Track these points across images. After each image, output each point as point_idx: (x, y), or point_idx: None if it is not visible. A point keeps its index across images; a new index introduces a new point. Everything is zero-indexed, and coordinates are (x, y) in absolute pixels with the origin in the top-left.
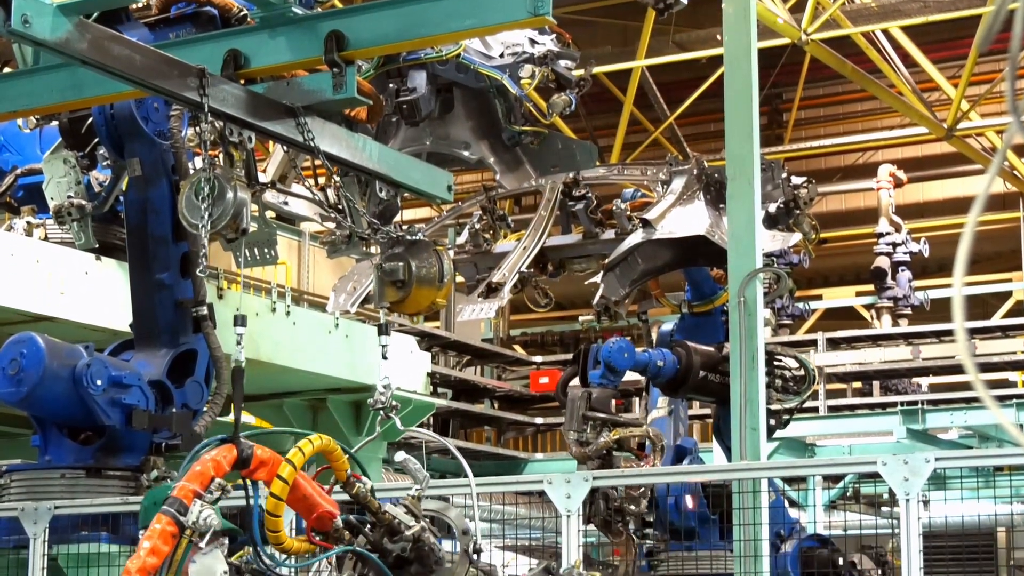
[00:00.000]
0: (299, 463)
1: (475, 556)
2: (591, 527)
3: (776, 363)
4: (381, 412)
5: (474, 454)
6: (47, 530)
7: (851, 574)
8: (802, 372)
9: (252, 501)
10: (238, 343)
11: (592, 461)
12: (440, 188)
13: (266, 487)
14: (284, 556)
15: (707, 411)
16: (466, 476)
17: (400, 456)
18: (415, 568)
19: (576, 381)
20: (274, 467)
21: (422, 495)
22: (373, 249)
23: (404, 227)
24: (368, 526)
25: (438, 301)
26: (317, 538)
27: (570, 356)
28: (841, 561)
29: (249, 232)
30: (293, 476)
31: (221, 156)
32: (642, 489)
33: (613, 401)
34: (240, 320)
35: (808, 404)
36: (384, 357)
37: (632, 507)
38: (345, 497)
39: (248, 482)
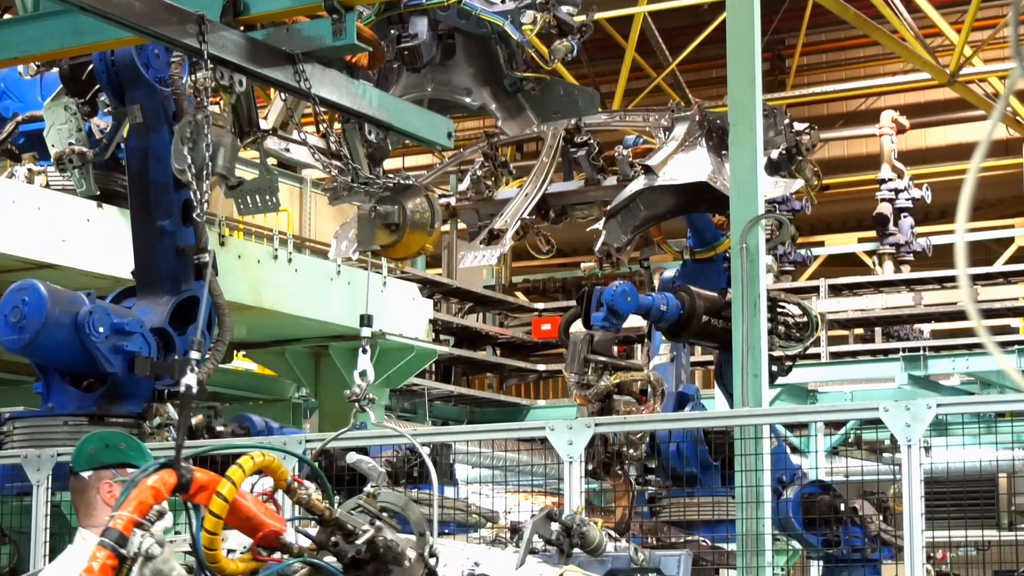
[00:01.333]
0: (239, 480)
1: (432, 561)
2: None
3: (779, 310)
4: (356, 405)
5: (476, 401)
6: (50, 477)
7: (852, 520)
8: (805, 319)
9: (195, 527)
10: (191, 369)
11: (592, 404)
12: (440, 135)
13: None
14: None
15: (709, 357)
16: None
17: (352, 457)
18: (372, 567)
19: (578, 324)
20: (214, 489)
21: (378, 493)
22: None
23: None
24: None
25: (427, 247)
26: (263, 554)
27: (572, 303)
28: (843, 507)
29: (231, 176)
30: (233, 494)
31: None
32: (640, 434)
33: (615, 347)
34: (196, 345)
35: (810, 351)
36: (364, 351)
37: (631, 451)
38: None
39: (190, 507)
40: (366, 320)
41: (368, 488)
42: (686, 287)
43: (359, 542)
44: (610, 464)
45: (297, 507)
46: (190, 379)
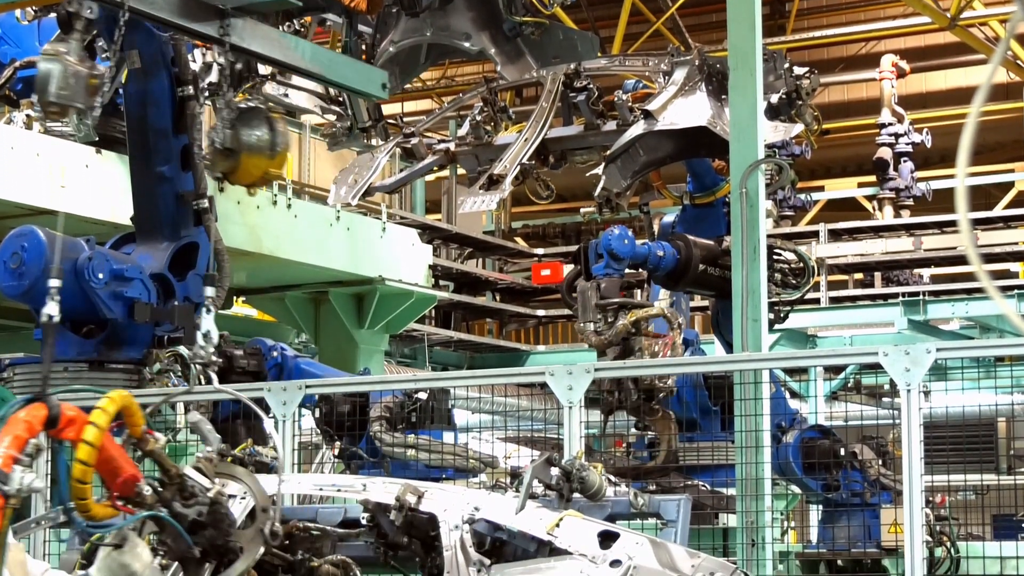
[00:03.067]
0: (104, 424)
1: (271, 538)
2: (593, 419)
3: (776, 257)
4: (198, 366)
5: (476, 346)
6: None
7: (852, 464)
8: (801, 265)
9: (60, 461)
10: (50, 298)
11: (613, 348)
12: (374, 86)
13: (73, 447)
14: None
15: (707, 303)
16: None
17: (193, 417)
18: (209, 532)
19: (580, 281)
20: (81, 425)
21: (215, 459)
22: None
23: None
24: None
25: (272, 171)
26: (120, 503)
27: (572, 248)
28: (842, 452)
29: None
30: (100, 439)
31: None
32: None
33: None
34: (56, 273)
35: (809, 296)
36: (208, 310)
37: (661, 383)
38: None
39: (53, 441)
40: (209, 280)
41: (206, 451)
42: (682, 235)
43: (197, 506)
44: (640, 408)
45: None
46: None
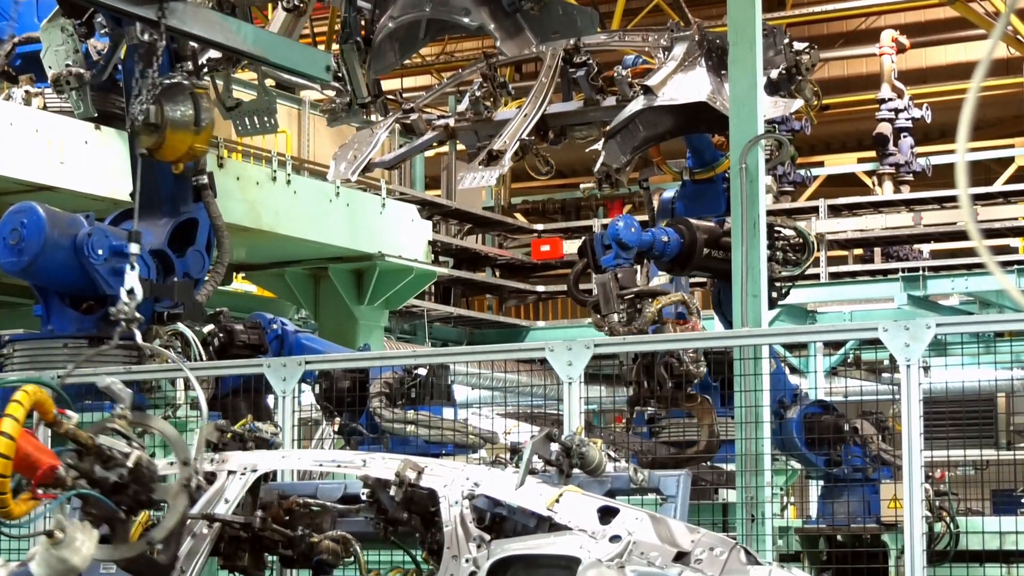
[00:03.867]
0: (21, 417)
1: (195, 490)
2: (592, 394)
3: (775, 233)
4: (122, 323)
5: (475, 322)
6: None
7: (853, 440)
8: (801, 241)
9: None
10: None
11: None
12: (319, 69)
13: None
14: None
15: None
16: (466, 344)
17: (104, 381)
18: (133, 490)
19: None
20: None
21: (129, 416)
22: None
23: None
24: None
25: (196, 147)
26: (41, 491)
27: (572, 224)
28: (845, 427)
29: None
30: (17, 430)
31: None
32: (697, 351)
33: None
34: (134, 237)
35: (809, 271)
36: (132, 267)
37: (694, 368)
38: None
39: None
40: (134, 236)
41: (117, 410)
42: (684, 219)
43: (121, 468)
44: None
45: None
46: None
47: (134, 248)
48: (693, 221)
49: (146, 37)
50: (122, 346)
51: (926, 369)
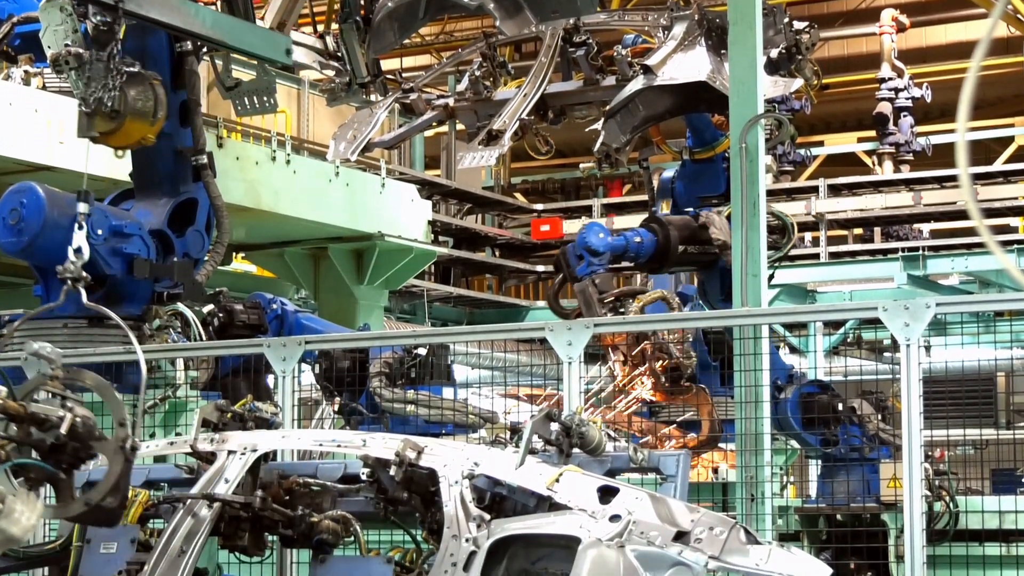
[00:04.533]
0: None
1: (130, 451)
2: (592, 373)
3: None
4: (68, 282)
5: (475, 302)
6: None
7: (851, 419)
8: (779, 224)
9: None
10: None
11: (627, 337)
12: (278, 52)
13: None
14: None
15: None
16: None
17: (32, 347)
18: (71, 448)
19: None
20: None
21: (60, 374)
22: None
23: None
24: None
25: (148, 136)
26: None
27: (572, 203)
28: (841, 406)
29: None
30: None
31: None
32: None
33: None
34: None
35: (809, 251)
36: (80, 227)
37: (687, 360)
38: None
39: None
40: (82, 196)
41: (47, 371)
42: (656, 218)
43: (59, 429)
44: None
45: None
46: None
47: (82, 207)
48: (665, 218)
49: (97, 19)
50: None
51: (928, 348)
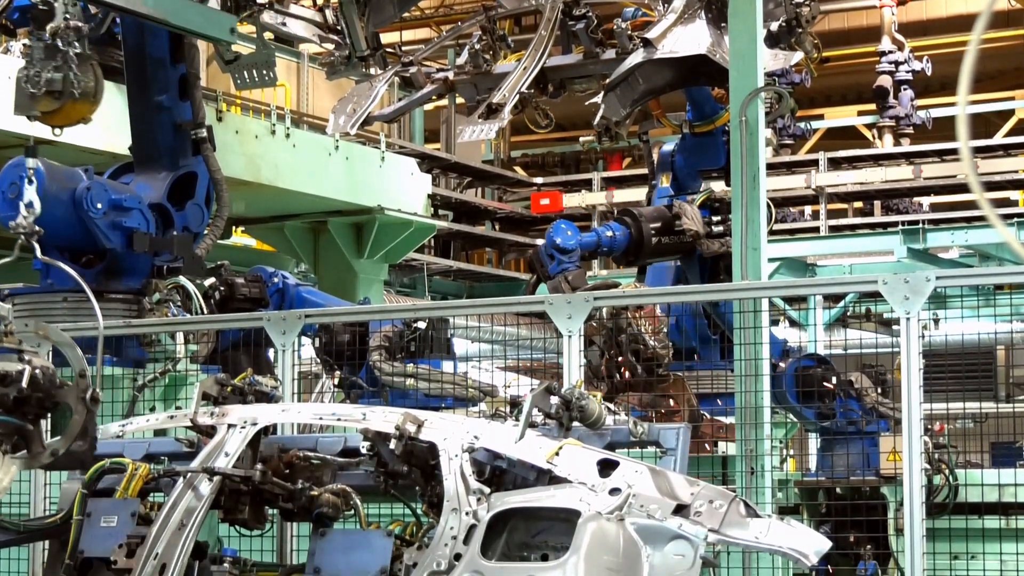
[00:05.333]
0: None
1: (91, 402)
2: (592, 347)
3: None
4: (22, 236)
5: (475, 275)
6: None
7: (848, 392)
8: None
9: None
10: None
11: (604, 329)
12: (222, 31)
13: None
14: None
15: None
16: (466, 297)
17: None
18: (36, 399)
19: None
20: None
21: (12, 328)
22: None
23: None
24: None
25: (88, 116)
26: None
27: (572, 177)
28: (836, 380)
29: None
30: None
31: None
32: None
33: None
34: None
35: (809, 224)
36: (30, 182)
37: (663, 350)
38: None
39: None
40: (30, 151)
41: (1, 327)
42: (628, 211)
43: (20, 383)
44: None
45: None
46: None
47: (31, 163)
48: (638, 210)
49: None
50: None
51: (936, 322)
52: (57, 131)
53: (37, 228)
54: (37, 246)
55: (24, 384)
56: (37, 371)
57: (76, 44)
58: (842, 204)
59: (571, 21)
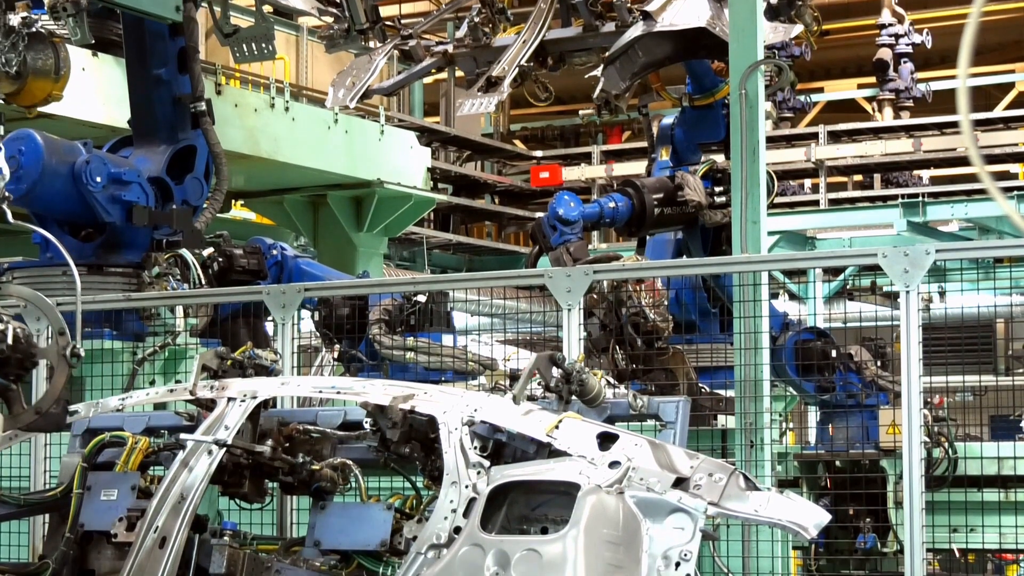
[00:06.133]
0: None
1: (73, 360)
2: (592, 320)
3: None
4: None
5: (475, 249)
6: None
7: (847, 365)
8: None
9: None
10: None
11: (604, 302)
12: (167, 9)
13: None
14: None
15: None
16: (465, 271)
17: None
18: (15, 359)
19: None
20: None
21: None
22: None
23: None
24: None
25: (55, 93)
26: None
27: (571, 151)
28: (835, 353)
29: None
30: None
31: None
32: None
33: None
34: None
35: (809, 197)
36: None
37: (663, 323)
38: None
39: None
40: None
41: None
42: (631, 182)
43: (2, 343)
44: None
45: None
46: None
47: None
48: (640, 181)
49: None
50: None
51: (942, 295)
52: (30, 114)
53: (7, 193)
54: (8, 212)
55: (8, 342)
56: (19, 330)
57: (36, 24)
58: (842, 177)
59: None
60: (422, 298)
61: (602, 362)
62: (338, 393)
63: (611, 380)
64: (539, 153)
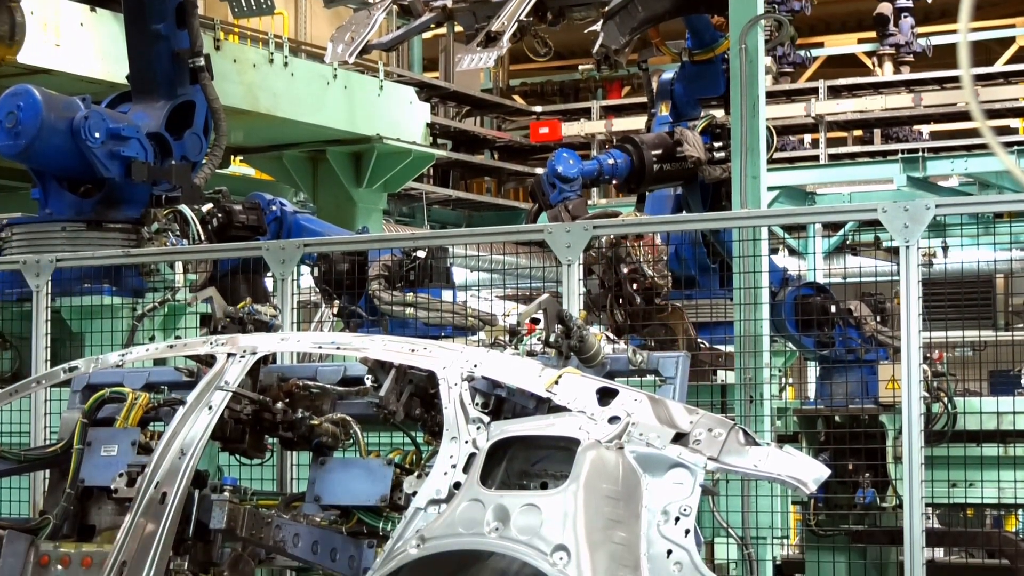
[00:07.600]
0: None
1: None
2: (592, 278)
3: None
4: None
5: (474, 205)
6: (49, 282)
7: (847, 321)
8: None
9: None
10: None
11: (603, 259)
12: None
13: None
14: None
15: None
16: (465, 227)
17: None
18: None
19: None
20: None
21: None
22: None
23: None
24: None
25: (8, 58)
26: None
27: (571, 105)
28: (835, 308)
29: None
30: None
31: None
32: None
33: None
34: None
35: (808, 152)
36: None
37: (662, 279)
38: None
39: None
40: None
41: None
42: (630, 138)
43: None
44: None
45: None
46: None
47: None
48: (639, 137)
49: None
50: None
51: (945, 250)
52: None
53: None
54: None
55: None
56: None
57: None
58: (842, 132)
59: None
60: (421, 254)
61: (602, 318)
62: (338, 349)
63: (610, 336)
64: (538, 108)
